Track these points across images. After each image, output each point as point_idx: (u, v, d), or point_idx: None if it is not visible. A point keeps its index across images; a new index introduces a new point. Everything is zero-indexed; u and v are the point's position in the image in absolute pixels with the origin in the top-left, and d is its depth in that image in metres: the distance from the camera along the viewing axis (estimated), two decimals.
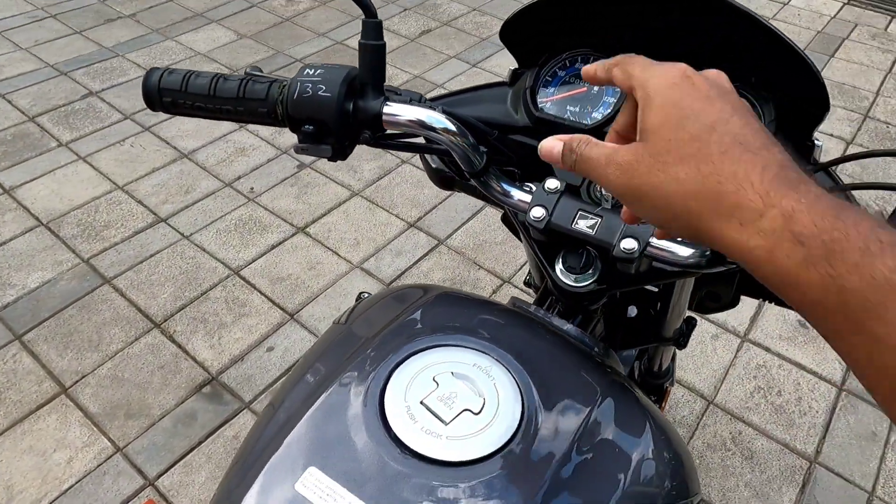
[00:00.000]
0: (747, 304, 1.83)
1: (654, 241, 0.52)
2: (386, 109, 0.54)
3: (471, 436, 0.45)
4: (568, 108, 0.63)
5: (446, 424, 0.46)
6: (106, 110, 2.51)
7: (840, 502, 1.43)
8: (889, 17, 3.37)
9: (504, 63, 2.87)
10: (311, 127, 0.51)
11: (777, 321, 1.80)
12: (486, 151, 0.58)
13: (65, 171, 2.22)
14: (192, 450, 1.47)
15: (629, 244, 0.52)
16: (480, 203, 2.01)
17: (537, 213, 0.56)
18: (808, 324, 0.33)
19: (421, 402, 0.47)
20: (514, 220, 0.65)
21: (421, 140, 0.59)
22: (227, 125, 2.46)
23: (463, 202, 2.14)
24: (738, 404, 1.61)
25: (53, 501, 1.36)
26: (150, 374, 1.61)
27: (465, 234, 2.04)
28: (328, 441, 0.46)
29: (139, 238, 1.98)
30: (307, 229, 2.04)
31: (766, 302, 0.72)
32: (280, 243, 1.99)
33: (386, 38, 0.54)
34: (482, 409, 0.47)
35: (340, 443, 0.45)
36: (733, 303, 0.73)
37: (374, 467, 0.44)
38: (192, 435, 1.49)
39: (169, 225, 2.03)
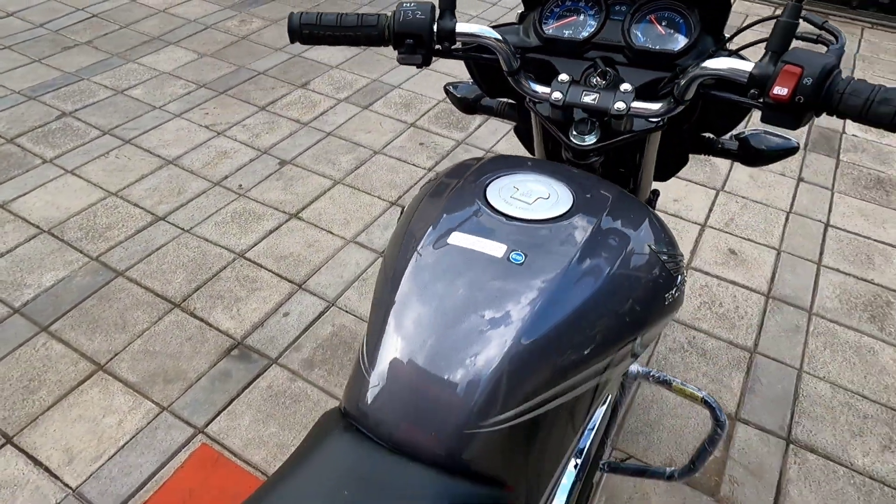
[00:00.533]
0: (688, 240, 2.18)
1: (634, 103, 0.81)
2: (458, 28, 0.80)
3: (545, 210, 0.71)
4: (564, 31, 0.91)
5: (529, 204, 0.71)
6: (83, 128, 2.63)
7: (776, 379, 1.76)
8: None
9: (442, 67, 3.19)
10: (411, 40, 0.77)
11: (712, 251, 2.15)
12: (520, 57, 0.85)
13: (56, 184, 2.33)
14: (232, 401, 1.64)
15: (620, 106, 0.80)
16: None
17: (557, 96, 0.83)
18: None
19: (511, 196, 0.72)
20: (533, 110, 0.91)
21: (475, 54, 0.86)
22: (205, 134, 2.64)
23: None
24: (689, 317, 1.93)
25: (114, 455, 1.51)
26: (180, 345, 1.77)
27: None
28: (459, 220, 0.70)
29: (142, 235, 2.13)
30: (300, 215, 2.25)
31: (710, 156, 1.00)
32: (277, 228, 2.18)
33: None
34: (549, 197, 0.73)
35: (467, 220, 0.70)
36: (684, 161, 1.02)
37: (495, 226, 0.69)
38: (229, 389, 1.67)
39: (168, 222, 2.19)
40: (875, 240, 2.25)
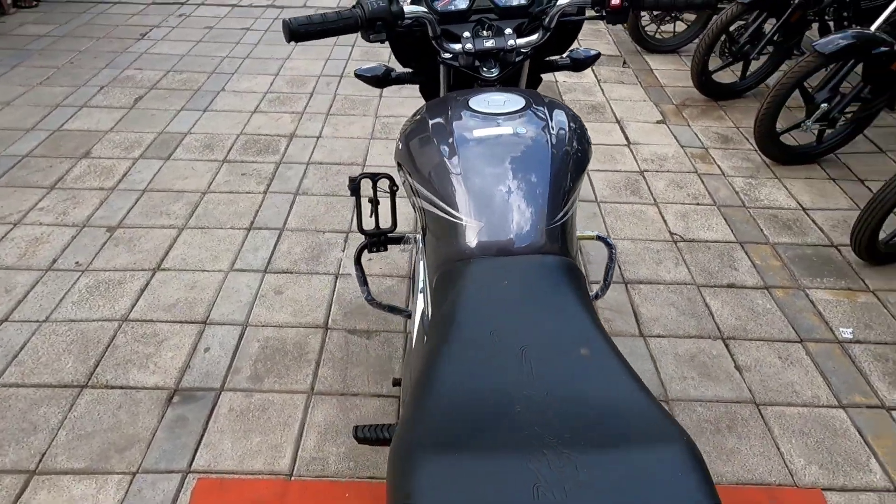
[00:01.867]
0: None
1: (519, 40, 1.21)
2: (406, 9, 1.11)
3: (512, 106, 1.07)
4: (451, 6, 1.27)
5: (502, 106, 1.06)
6: None
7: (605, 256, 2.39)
8: None
9: (224, 107, 3.31)
10: (380, 23, 1.05)
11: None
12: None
13: None
14: (202, 435, 1.66)
15: (511, 43, 1.20)
16: (308, 189, 2.47)
17: (469, 46, 1.19)
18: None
19: (487, 105, 1.06)
20: (450, 63, 1.24)
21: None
22: (3, 229, 2.37)
23: (280, 199, 2.57)
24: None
25: None
26: (113, 416, 1.70)
27: (295, 217, 2.48)
28: (472, 124, 1.02)
29: None
30: (162, 266, 2.22)
31: (553, 72, 1.45)
32: (147, 285, 2.13)
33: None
34: (506, 102, 1.08)
35: (477, 122, 1.02)
36: (539, 80, 1.47)
37: (494, 120, 1.02)
38: (192, 428, 1.67)
39: (15, 321, 1.98)
40: (606, 144, 3.08)
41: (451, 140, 1.02)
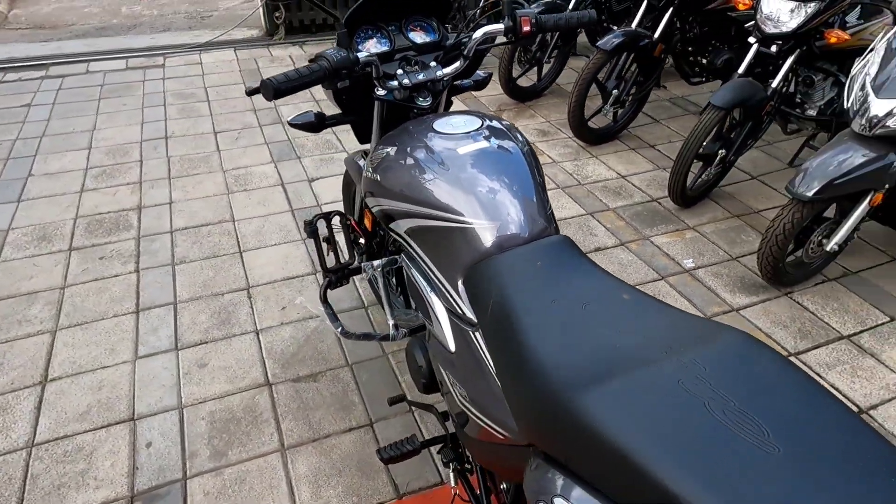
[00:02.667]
0: None
1: (445, 69, 1.38)
2: (360, 57, 1.21)
3: (472, 126, 1.23)
4: (376, 48, 1.40)
5: (464, 126, 1.22)
6: None
7: None
8: None
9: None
10: (345, 71, 1.15)
11: None
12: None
13: None
14: None
15: (440, 73, 1.36)
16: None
17: (406, 81, 1.33)
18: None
19: (449, 126, 1.22)
20: (385, 100, 1.37)
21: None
22: None
23: (158, 274, 2.39)
24: None
25: None
26: None
27: (184, 288, 2.34)
28: (445, 143, 1.16)
29: None
30: (49, 379, 1.96)
31: (458, 94, 1.64)
32: (40, 403, 1.87)
33: None
34: (466, 123, 1.25)
35: (449, 140, 1.17)
36: (450, 103, 1.65)
37: (463, 138, 1.18)
38: None
39: None
40: None
41: (441, 159, 1.15)
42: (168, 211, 2.81)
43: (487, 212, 1.09)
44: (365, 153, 1.63)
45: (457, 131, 1.21)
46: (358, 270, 1.62)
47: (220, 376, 1.98)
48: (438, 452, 1.47)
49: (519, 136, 1.25)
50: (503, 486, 1.20)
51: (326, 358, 2.06)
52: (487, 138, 1.20)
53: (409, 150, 1.21)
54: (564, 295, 0.97)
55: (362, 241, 1.86)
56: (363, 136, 1.57)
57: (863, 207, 2.18)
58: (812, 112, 2.88)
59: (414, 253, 1.25)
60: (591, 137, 3.45)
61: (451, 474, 1.40)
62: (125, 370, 1.99)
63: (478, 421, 1.05)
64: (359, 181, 1.83)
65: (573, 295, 0.97)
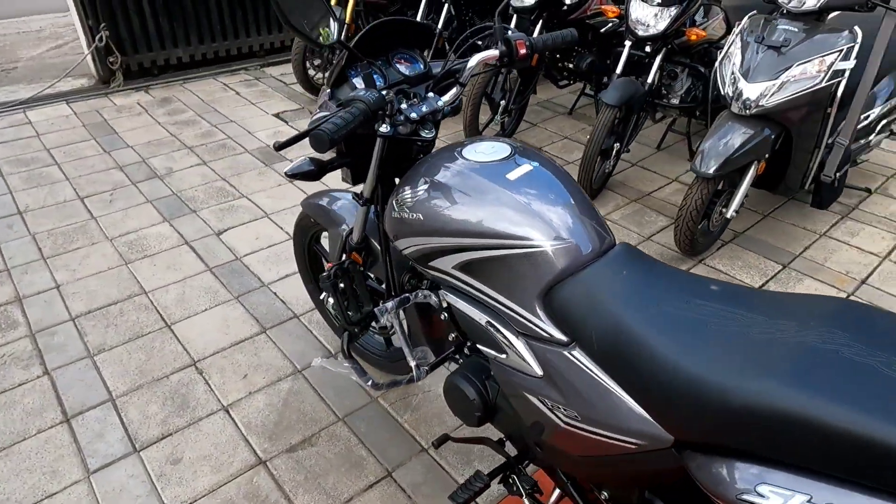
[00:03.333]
0: None
1: (443, 98, 1.36)
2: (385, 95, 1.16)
3: (501, 153, 1.23)
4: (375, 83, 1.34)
5: (493, 153, 1.22)
6: None
7: None
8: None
9: None
10: (380, 111, 1.10)
11: None
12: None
13: None
14: None
15: (440, 103, 1.34)
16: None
17: (413, 115, 1.29)
18: None
19: (478, 153, 1.21)
20: (388, 135, 1.31)
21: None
22: None
23: (76, 371, 2.04)
24: None
25: None
26: None
27: (117, 379, 2.03)
28: (478, 171, 1.16)
29: None
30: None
31: None
32: None
33: None
34: (495, 150, 1.24)
35: (472, 170, 1.17)
36: None
37: (489, 170, 1.18)
38: None
39: None
40: None
41: (494, 188, 1.14)
42: (58, 296, 2.40)
43: (557, 232, 1.10)
44: (357, 194, 1.55)
45: (494, 158, 1.21)
46: (372, 316, 1.54)
47: (202, 468, 1.74)
48: (500, 482, 1.44)
49: (545, 155, 1.29)
50: (604, 494, 1.21)
51: (314, 418, 1.91)
52: (529, 161, 1.21)
53: (452, 183, 1.19)
54: (662, 298, 1.02)
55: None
56: (359, 177, 1.49)
57: (750, 176, 2.54)
58: (675, 101, 3.28)
59: (467, 287, 1.22)
60: None
61: (526, 501, 1.38)
62: (81, 491, 1.67)
63: (594, 436, 1.06)
64: (337, 224, 1.73)
65: (670, 296, 1.02)
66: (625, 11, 2.94)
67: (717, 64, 2.58)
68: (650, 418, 0.96)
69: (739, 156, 2.41)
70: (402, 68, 1.42)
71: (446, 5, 3.75)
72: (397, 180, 1.41)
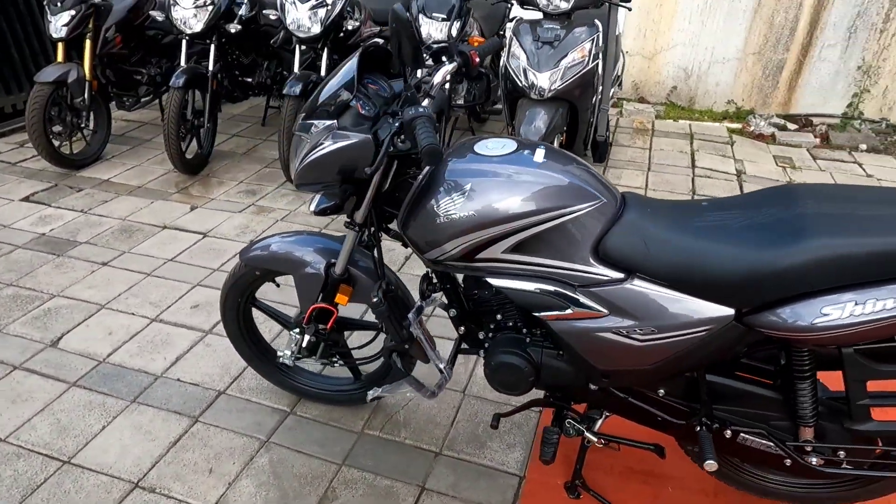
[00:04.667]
0: None
1: (429, 112, 1.45)
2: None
3: (511, 144, 1.41)
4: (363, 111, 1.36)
5: (503, 148, 1.39)
6: None
7: None
8: None
9: None
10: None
11: None
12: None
13: None
14: None
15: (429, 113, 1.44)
16: None
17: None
18: None
19: (491, 149, 1.38)
20: (391, 156, 1.37)
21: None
22: None
23: None
24: None
25: None
26: None
27: None
28: (495, 165, 1.34)
29: None
30: None
31: None
32: None
33: None
34: (505, 146, 1.40)
35: (500, 164, 1.34)
36: None
37: (517, 158, 1.36)
38: None
39: None
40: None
41: (532, 173, 1.31)
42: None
43: (592, 195, 1.33)
44: (349, 221, 1.53)
45: (512, 150, 1.38)
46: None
47: None
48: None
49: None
50: (660, 392, 1.49)
51: (316, 475, 1.79)
52: (538, 146, 1.41)
53: (494, 177, 1.32)
54: (685, 219, 1.34)
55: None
56: (339, 207, 1.50)
57: (560, 146, 3.11)
58: (460, 101, 3.75)
59: (516, 266, 1.37)
60: (191, 167, 3.67)
61: (588, 434, 1.59)
62: None
63: (670, 339, 1.32)
64: (302, 266, 1.67)
65: (688, 216, 1.34)
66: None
67: (503, 63, 3.09)
68: (713, 304, 1.27)
69: (549, 132, 2.94)
70: (378, 91, 1.48)
71: (213, 47, 3.60)
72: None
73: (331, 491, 1.75)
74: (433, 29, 3.21)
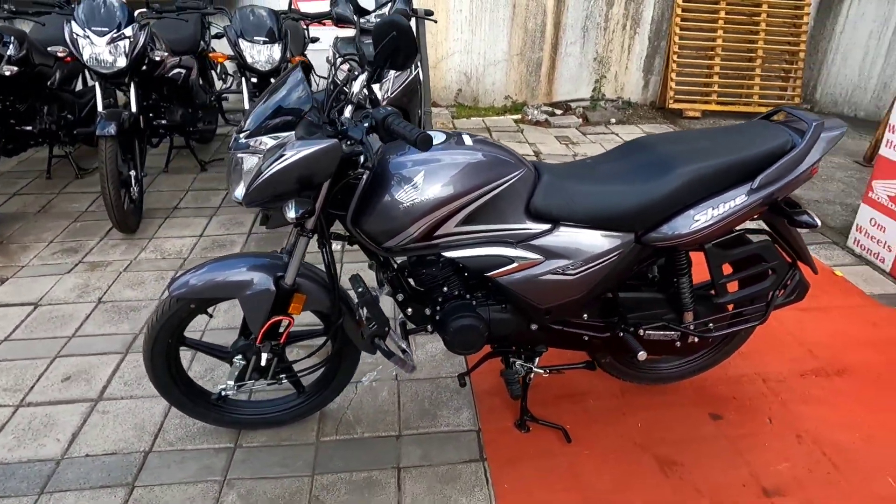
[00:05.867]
0: None
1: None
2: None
3: (442, 136, 1.60)
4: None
5: (437, 139, 1.59)
6: None
7: None
8: None
9: None
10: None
11: None
12: None
13: None
14: None
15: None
16: None
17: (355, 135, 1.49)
18: None
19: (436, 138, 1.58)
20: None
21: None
22: None
23: None
24: None
25: None
26: None
27: None
28: (439, 153, 1.56)
29: None
30: None
31: None
32: None
33: None
34: (437, 136, 1.60)
35: (442, 153, 1.56)
36: None
37: (450, 145, 1.58)
38: None
39: None
40: None
41: (469, 153, 1.54)
42: None
43: (516, 164, 1.61)
44: (301, 227, 1.57)
45: (443, 139, 1.59)
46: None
47: None
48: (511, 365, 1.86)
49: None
50: (584, 316, 1.83)
51: (291, 491, 1.78)
52: (463, 133, 1.64)
53: (440, 164, 1.52)
54: (584, 173, 1.70)
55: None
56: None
57: None
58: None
59: (466, 236, 1.59)
60: (133, 223, 3.29)
61: (537, 369, 1.87)
62: None
63: (594, 269, 1.66)
64: (245, 288, 1.65)
65: (585, 170, 1.71)
66: (237, 54, 3.23)
67: (331, 78, 3.24)
68: (620, 233, 1.65)
69: None
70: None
71: (132, 86, 3.21)
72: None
73: (314, 500, 1.77)
74: (255, 52, 3.22)
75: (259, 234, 3.33)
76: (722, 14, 5.58)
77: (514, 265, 1.64)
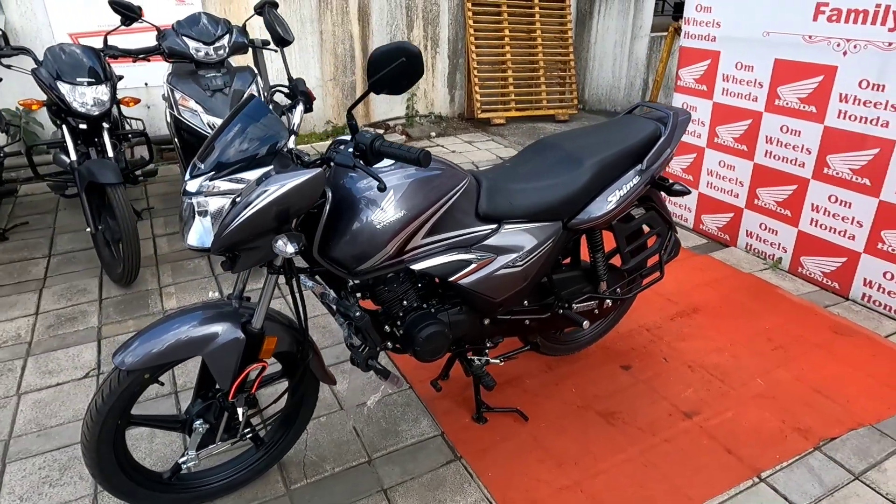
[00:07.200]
0: None
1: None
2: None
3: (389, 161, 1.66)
4: None
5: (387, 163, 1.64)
6: None
7: None
8: None
9: None
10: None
11: None
12: None
13: None
14: None
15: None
16: None
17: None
18: None
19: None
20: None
21: None
22: None
23: None
24: None
25: None
26: None
27: None
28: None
29: None
30: None
31: None
32: None
33: None
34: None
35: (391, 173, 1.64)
36: None
37: (405, 172, 1.66)
38: None
39: None
40: None
41: (427, 171, 1.61)
42: None
43: (461, 174, 1.73)
44: (271, 266, 1.47)
45: (393, 162, 1.64)
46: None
47: None
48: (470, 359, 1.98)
49: None
50: (525, 303, 2.02)
51: None
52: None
53: (404, 181, 1.58)
54: (517, 172, 1.89)
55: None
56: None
57: None
58: None
59: (431, 246, 1.68)
60: None
61: (493, 361, 2.01)
62: None
63: (537, 256, 1.86)
64: (209, 342, 1.52)
65: (517, 170, 1.91)
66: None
67: (173, 115, 3.02)
68: (551, 222, 1.88)
69: None
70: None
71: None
72: None
73: None
74: (77, 95, 2.83)
75: (116, 298, 2.94)
76: (506, 32, 6.30)
77: (473, 266, 1.77)
